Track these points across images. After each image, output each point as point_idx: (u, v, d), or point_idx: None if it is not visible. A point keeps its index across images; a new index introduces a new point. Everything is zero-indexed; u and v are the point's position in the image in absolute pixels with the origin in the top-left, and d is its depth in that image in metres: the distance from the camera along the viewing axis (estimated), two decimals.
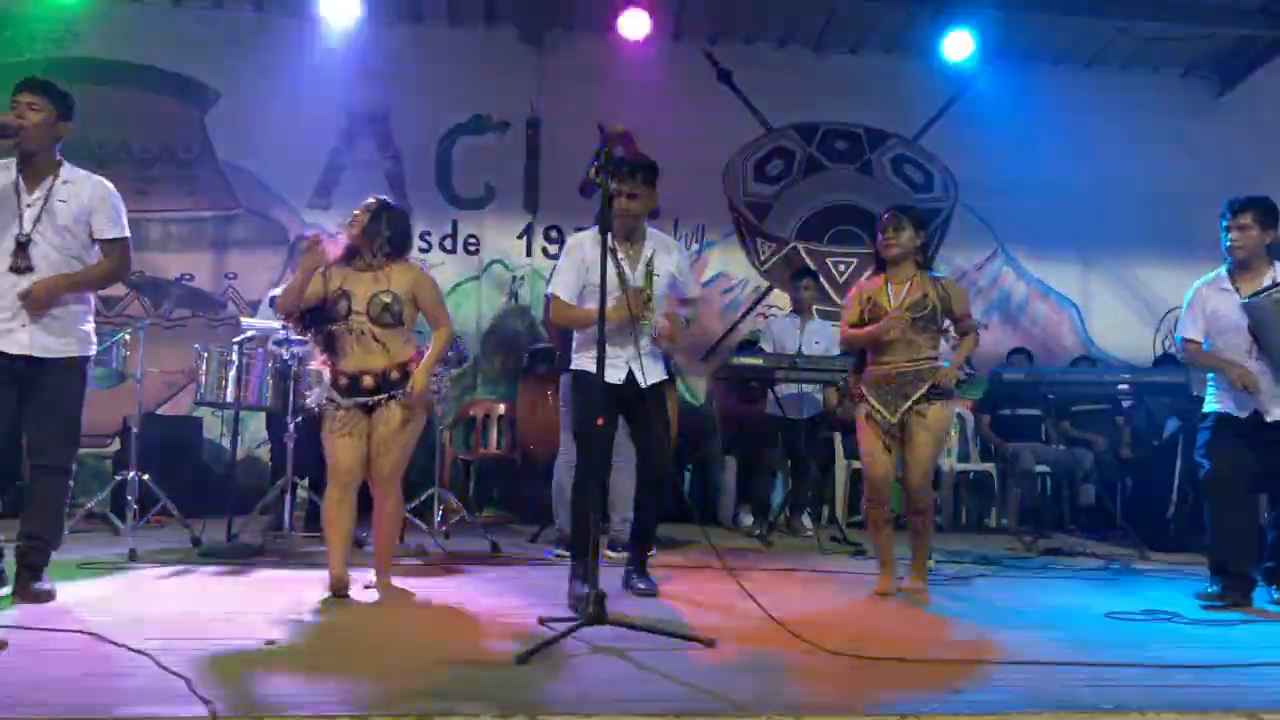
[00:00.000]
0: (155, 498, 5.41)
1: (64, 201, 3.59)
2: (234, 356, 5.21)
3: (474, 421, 6.75)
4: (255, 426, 6.76)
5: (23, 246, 3.51)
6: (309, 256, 3.87)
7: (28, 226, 3.52)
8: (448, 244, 7.59)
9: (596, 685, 2.67)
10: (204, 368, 5.24)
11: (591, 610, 3.13)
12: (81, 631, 3.01)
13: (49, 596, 3.57)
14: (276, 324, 5.18)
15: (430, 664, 2.84)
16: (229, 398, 5.25)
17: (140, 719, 2.26)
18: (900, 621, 3.77)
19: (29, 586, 3.57)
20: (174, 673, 2.55)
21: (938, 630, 3.60)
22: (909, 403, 4.16)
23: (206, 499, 5.94)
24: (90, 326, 3.75)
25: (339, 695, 2.49)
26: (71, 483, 3.77)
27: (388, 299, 3.87)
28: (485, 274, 7.61)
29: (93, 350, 3.77)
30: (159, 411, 7.01)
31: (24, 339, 3.50)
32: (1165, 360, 7.01)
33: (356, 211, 3.99)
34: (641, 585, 4.08)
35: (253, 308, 7.27)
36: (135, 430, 5.16)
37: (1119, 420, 7.13)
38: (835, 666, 2.90)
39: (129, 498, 5.09)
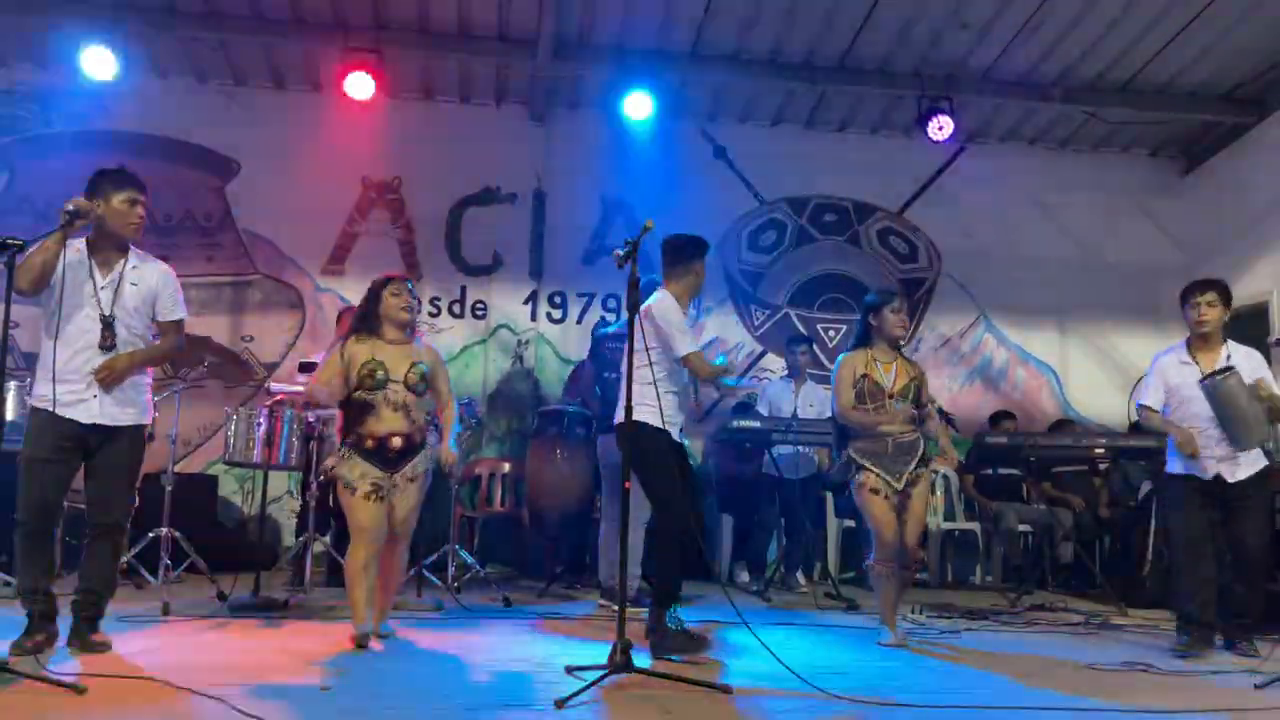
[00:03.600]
0: (175, 553, 5.64)
1: (134, 285, 3.88)
2: (262, 419, 5.49)
3: (479, 480, 6.99)
4: (272, 486, 6.99)
5: (109, 325, 3.79)
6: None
7: (108, 308, 3.80)
8: (456, 309, 7.93)
9: None
10: (232, 429, 5.53)
11: (619, 659, 3.41)
12: (152, 678, 3.25)
13: (106, 647, 3.81)
14: (302, 387, 5.51)
15: (478, 707, 3.10)
16: (256, 458, 5.52)
17: None
18: (900, 670, 4.04)
19: (87, 638, 3.80)
20: (250, 714, 2.80)
21: (936, 679, 3.87)
22: (910, 470, 4.54)
23: (222, 554, 6.14)
24: (149, 396, 4.03)
25: None
26: (126, 539, 4.03)
27: (423, 370, 4.26)
28: (492, 338, 7.93)
29: (151, 418, 4.04)
30: (175, 469, 7.22)
31: (95, 409, 3.77)
32: (1139, 425, 7.36)
33: (396, 291, 4.30)
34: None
35: (268, 369, 7.57)
36: (169, 489, 5.41)
37: (1097, 481, 7.47)
38: (844, 711, 3.18)
39: (162, 554, 5.31)
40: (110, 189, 3.81)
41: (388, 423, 4.19)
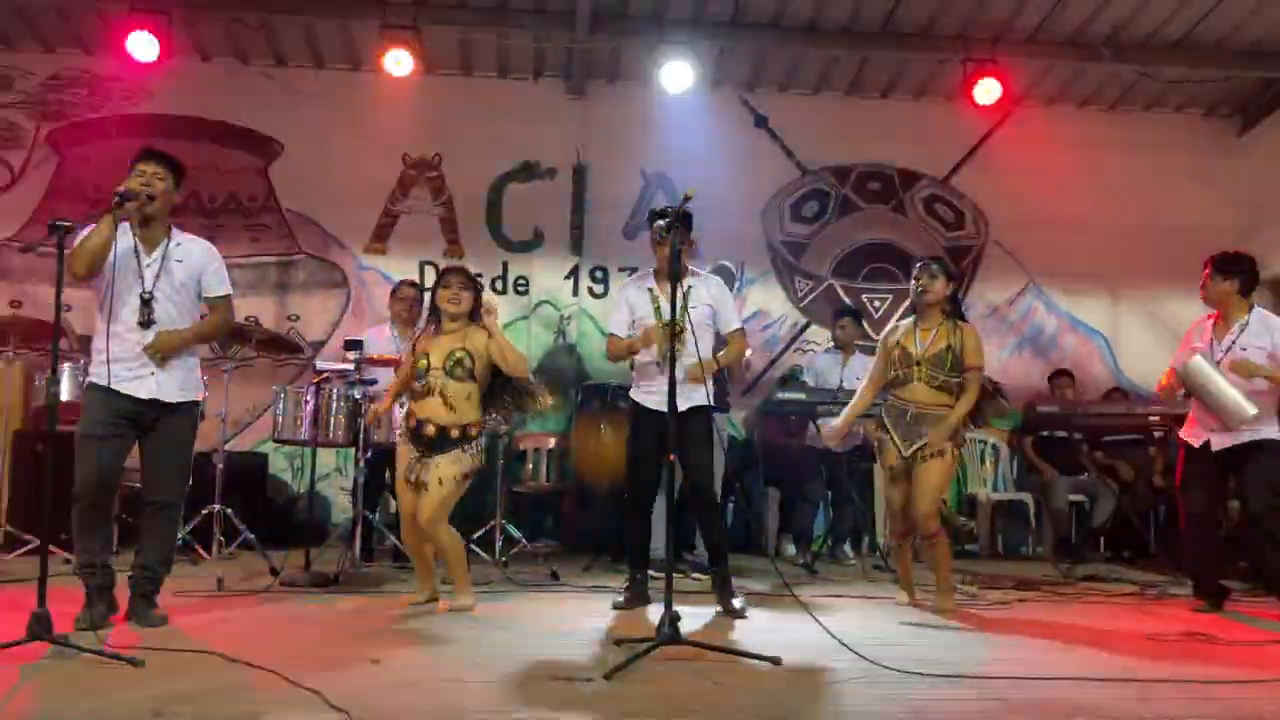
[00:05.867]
0: (228, 529, 5.76)
1: (180, 262, 3.93)
2: (309, 396, 5.54)
3: (523, 455, 7.01)
4: (320, 463, 7.06)
5: (146, 303, 3.85)
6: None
7: (149, 285, 3.86)
8: (498, 285, 7.92)
9: (679, 696, 2.94)
10: (281, 407, 5.58)
11: (668, 630, 3.40)
12: (208, 651, 3.30)
13: (163, 621, 3.88)
14: (349, 364, 5.56)
15: (527, 679, 3.12)
16: (304, 435, 5.57)
17: None
18: (951, 641, 4.00)
19: (145, 613, 3.87)
20: (304, 686, 2.84)
21: (988, 649, 3.82)
22: (922, 441, 4.47)
23: (273, 531, 6.24)
24: (199, 373, 4.11)
25: (456, 706, 2.77)
26: (181, 515, 4.11)
27: (459, 357, 4.33)
28: (534, 314, 7.94)
29: (203, 394, 4.13)
30: (227, 447, 7.33)
31: (152, 385, 3.84)
32: None
33: (445, 284, 4.45)
34: (737, 605, 4.41)
35: (314, 347, 7.64)
36: (220, 466, 5.49)
37: (1151, 450, 7.33)
38: (896, 682, 3.15)
39: (215, 530, 5.40)
40: (133, 164, 3.88)
41: (427, 408, 4.34)
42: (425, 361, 4.37)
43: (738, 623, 4.22)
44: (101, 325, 3.85)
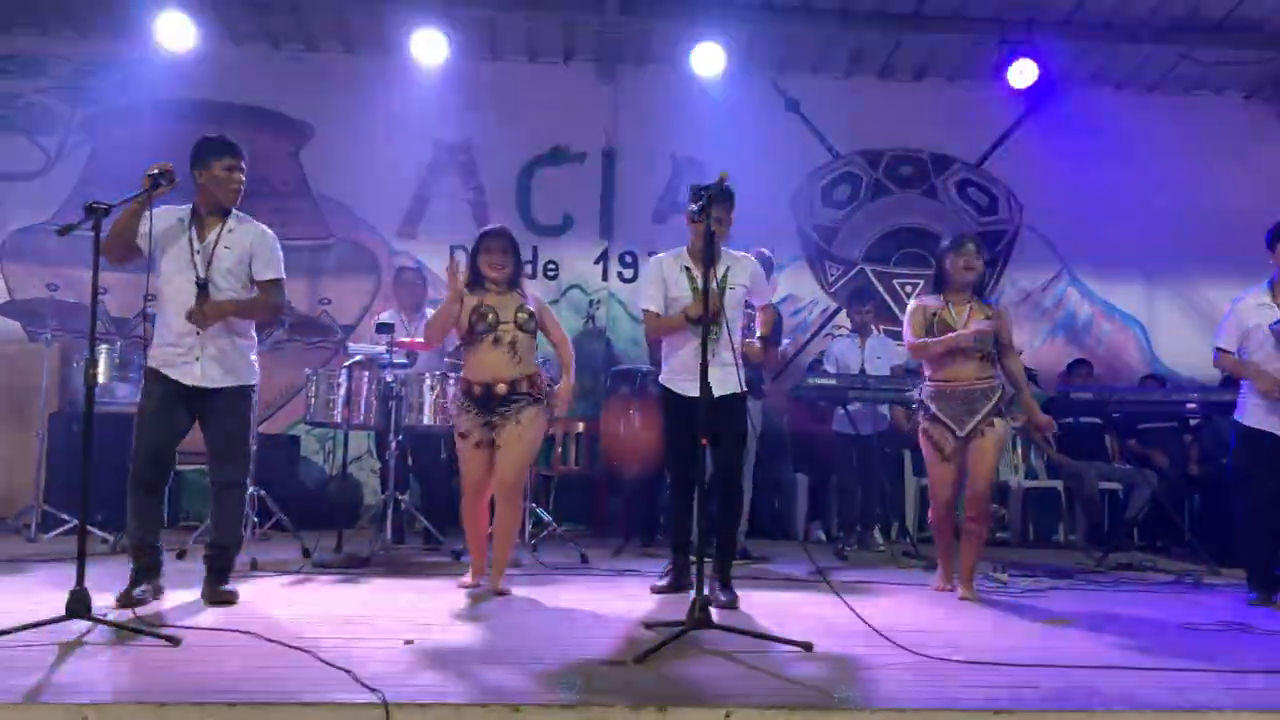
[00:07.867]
0: (261, 510, 5.82)
1: (229, 248, 3.94)
2: (342, 379, 5.57)
3: (553, 439, 7.03)
4: (352, 446, 7.11)
5: (202, 289, 3.87)
6: (456, 280, 4.31)
7: (202, 271, 3.88)
8: (528, 269, 7.90)
9: (711, 681, 2.93)
10: (313, 390, 5.62)
11: (697, 615, 3.40)
12: (242, 631, 3.33)
13: (234, 598, 3.96)
14: (381, 347, 5.59)
15: (556, 661, 3.12)
16: (336, 418, 5.61)
17: (324, 704, 2.57)
18: (983, 628, 3.97)
19: (217, 589, 3.96)
20: (337, 666, 2.86)
21: (1021, 636, 3.79)
22: (978, 418, 4.43)
23: (305, 513, 6.28)
24: (254, 358, 4.14)
25: (487, 687, 2.78)
26: (247, 494, 4.24)
27: (530, 311, 4.37)
28: (564, 298, 7.94)
29: (256, 379, 4.16)
30: (260, 429, 7.40)
31: (197, 372, 3.89)
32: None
33: (487, 249, 4.40)
34: (723, 597, 4.26)
35: (345, 331, 7.69)
36: (254, 448, 5.52)
37: (1187, 438, 7.23)
38: (928, 668, 3.13)
39: (249, 511, 5.45)
40: (211, 156, 3.88)
41: (494, 366, 4.29)
42: (492, 315, 4.30)
43: (769, 608, 4.21)
44: (158, 311, 3.93)
